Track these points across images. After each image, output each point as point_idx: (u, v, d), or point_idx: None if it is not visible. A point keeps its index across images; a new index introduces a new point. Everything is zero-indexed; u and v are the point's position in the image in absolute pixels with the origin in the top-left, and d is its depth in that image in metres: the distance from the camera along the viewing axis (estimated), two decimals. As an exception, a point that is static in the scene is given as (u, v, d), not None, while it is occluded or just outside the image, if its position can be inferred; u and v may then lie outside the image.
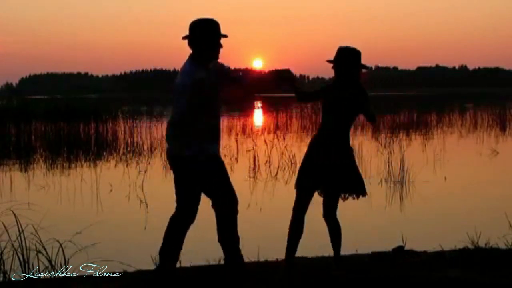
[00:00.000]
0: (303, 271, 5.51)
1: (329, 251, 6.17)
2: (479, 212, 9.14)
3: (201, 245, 6.89)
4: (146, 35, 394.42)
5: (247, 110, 41.87)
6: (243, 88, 5.49)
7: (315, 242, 6.46)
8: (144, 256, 6.37)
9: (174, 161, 5.24)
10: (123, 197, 10.72)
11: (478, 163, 14.88)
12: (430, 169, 13.44)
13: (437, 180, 12.02)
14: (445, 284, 5.10)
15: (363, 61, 5.37)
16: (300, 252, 6.10)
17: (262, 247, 6.02)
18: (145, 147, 19.00)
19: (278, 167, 13.85)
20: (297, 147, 18.04)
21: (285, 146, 15.70)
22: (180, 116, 5.14)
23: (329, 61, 5.41)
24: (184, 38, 5.19)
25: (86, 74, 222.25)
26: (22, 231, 4.87)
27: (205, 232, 7.52)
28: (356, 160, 5.53)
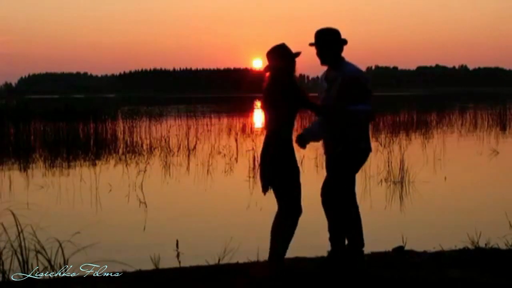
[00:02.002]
0: (302, 271, 5.50)
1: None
2: (479, 212, 9.13)
3: (201, 245, 6.88)
4: (146, 35, 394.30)
5: (246, 110, 41.86)
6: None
7: (315, 242, 6.45)
8: (144, 256, 6.36)
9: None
10: (123, 197, 10.70)
11: (478, 163, 14.87)
12: (430, 169, 13.43)
13: (437, 180, 12.01)
14: (445, 284, 5.09)
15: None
16: (300, 252, 6.10)
17: (262, 247, 6.00)
18: (145, 147, 18.99)
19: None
20: (297, 147, 18.04)
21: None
22: None
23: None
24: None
25: (86, 74, 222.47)
26: (22, 231, 4.85)
27: (205, 232, 7.53)
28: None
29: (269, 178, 5.34)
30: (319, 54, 5.71)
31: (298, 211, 5.35)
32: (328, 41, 5.65)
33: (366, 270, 5.52)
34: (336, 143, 5.61)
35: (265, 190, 5.40)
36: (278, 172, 5.30)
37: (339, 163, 5.59)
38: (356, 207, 5.68)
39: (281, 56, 5.45)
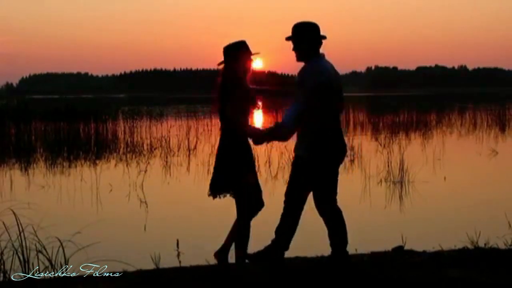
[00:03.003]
0: (302, 271, 5.52)
1: (328, 251, 6.17)
2: (479, 212, 9.15)
3: (201, 245, 6.89)
4: (146, 35, 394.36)
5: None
6: None
7: (314, 242, 6.47)
8: (144, 256, 6.38)
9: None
10: (123, 197, 10.72)
11: (478, 163, 14.88)
12: (429, 169, 13.44)
13: (437, 180, 12.01)
14: (444, 284, 5.10)
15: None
16: (300, 252, 6.12)
17: (262, 247, 6.01)
18: (145, 147, 19.00)
19: (278, 167, 13.85)
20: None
21: (285, 146, 15.70)
22: None
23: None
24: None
25: (86, 74, 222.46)
26: (22, 230, 4.87)
27: (205, 232, 7.54)
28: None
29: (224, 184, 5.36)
30: (295, 49, 5.44)
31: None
32: (305, 36, 5.37)
33: (365, 270, 5.54)
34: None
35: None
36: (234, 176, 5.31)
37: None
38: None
39: (225, 55, 5.39)
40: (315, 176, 5.35)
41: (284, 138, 5.42)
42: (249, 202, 5.37)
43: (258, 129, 5.50)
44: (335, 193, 5.50)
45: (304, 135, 5.38)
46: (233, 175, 5.33)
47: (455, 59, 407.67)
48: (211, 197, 5.50)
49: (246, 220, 5.41)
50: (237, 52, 5.36)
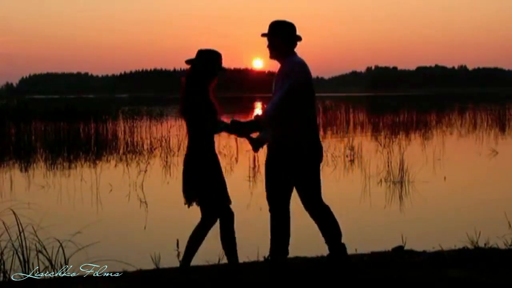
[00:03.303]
0: (302, 271, 5.52)
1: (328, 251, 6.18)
2: (479, 212, 9.15)
3: (201, 245, 6.89)
4: (146, 35, 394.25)
5: (246, 110, 41.85)
6: None
7: (314, 242, 6.46)
8: (144, 256, 6.38)
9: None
10: (123, 197, 10.72)
11: (478, 163, 14.89)
12: (429, 169, 13.44)
13: (437, 180, 12.02)
14: (444, 284, 5.10)
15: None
16: (300, 252, 6.12)
17: (262, 247, 6.02)
18: (145, 147, 19.01)
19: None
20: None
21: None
22: None
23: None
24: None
25: (86, 74, 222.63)
26: (22, 230, 4.87)
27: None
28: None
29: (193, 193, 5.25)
30: (271, 46, 5.39)
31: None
32: (281, 34, 5.35)
33: (365, 270, 5.54)
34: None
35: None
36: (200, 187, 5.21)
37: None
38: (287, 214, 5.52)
39: (198, 58, 5.24)
40: (294, 170, 5.30)
41: (266, 125, 5.37)
42: (213, 211, 5.31)
43: (238, 121, 5.42)
44: (319, 191, 5.44)
45: (284, 130, 5.30)
46: (198, 183, 5.20)
47: (455, 59, 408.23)
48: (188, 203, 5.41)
49: (207, 228, 5.35)
50: (211, 60, 5.23)
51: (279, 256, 5.48)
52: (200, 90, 5.18)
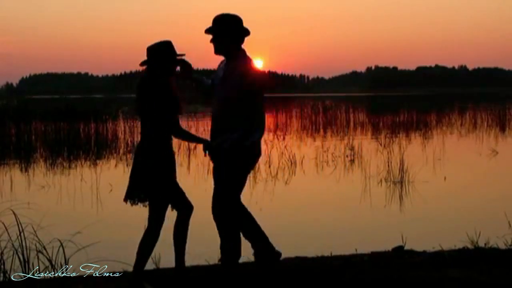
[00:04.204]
0: (303, 271, 5.52)
1: (328, 251, 6.18)
2: (479, 212, 9.15)
3: (201, 245, 6.89)
4: (146, 35, 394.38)
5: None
6: None
7: (314, 242, 6.47)
8: (144, 256, 6.36)
9: None
10: (123, 197, 10.70)
11: (478, 163, 14.88)
12: (429, 169, 13.44)
13: (437, 180, 12.02)
14: (444, 284, 5.10)
15: None
16: (300, 252, 6.12)
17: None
18: (145, 147, 18.97)
19: (278, 167, 13.85)
20: (297, 147, 18.07)
21: (285, 146, 15.72)
22: None
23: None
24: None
25: (86, 74, 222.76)
26: (22, 230, 4.87)
27: (205, 232, 7.53)
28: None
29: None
30: (214, 41, 5.11)
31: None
32: (226, 29, 5.07)
33: (365, 270, 5.54)
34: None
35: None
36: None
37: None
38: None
39: (149, 56, 5.05)
40: (240, 167, 5.25)
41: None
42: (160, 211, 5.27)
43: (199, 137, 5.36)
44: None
45: (234, 125, 5.15)
46: (149, 183, 5.16)
47: (455, 59, 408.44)
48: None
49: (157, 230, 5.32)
50: (162, 53, 5.00)
51: (236, 258, 5.44)
52: (160, 89, 4.94)
